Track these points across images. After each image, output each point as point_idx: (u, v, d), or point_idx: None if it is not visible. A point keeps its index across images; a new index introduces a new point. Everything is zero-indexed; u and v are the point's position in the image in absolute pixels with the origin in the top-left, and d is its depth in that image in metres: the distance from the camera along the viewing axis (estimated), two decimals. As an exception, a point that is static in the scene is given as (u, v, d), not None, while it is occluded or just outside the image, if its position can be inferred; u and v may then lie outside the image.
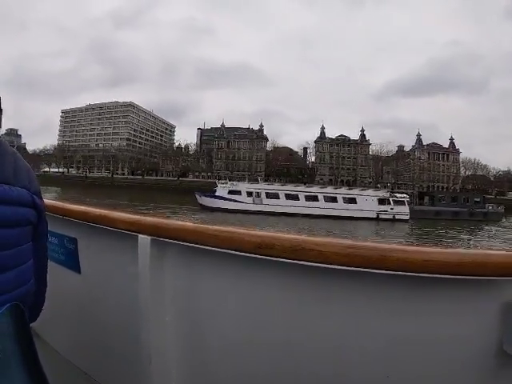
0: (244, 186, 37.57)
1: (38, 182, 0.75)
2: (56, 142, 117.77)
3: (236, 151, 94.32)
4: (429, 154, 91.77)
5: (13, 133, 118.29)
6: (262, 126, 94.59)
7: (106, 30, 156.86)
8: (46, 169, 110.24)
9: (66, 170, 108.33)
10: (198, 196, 38.19)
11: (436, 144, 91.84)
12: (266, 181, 55.75)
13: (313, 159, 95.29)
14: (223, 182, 41.90)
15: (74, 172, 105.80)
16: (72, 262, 1.37)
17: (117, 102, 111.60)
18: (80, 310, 1.40)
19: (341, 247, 0.83)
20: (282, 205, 34.91)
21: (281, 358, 0.96)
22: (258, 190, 36.18)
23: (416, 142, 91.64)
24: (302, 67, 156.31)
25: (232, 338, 1.03)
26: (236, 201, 35.49)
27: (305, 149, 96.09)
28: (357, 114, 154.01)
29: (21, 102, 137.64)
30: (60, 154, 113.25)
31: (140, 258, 1.07)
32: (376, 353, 0.88)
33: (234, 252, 0.93)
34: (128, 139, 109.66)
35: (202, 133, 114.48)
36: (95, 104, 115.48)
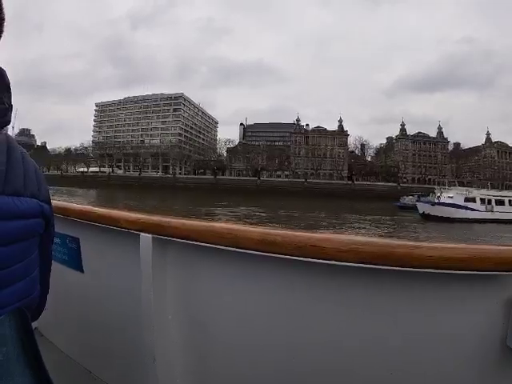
0: (478, 193, 34.48)
1: (46, 183, 0.71)
2: (90, 140, 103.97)
3: (317, 148, 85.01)
4: (498, 152, 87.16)
5: (26, 133, 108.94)
6: (341, 120, 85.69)
7: (122, 30, 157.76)
8: (82, 169, 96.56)
9: (109, 169, 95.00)
10: (420, 204, 33.75)
11: (503, 143, 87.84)
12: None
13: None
14: (447, 188, 36.64)
15: (119, 172, 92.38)
16: (75, 262, 1.37)
17: (162, 94, 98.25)
18: (83, 309, 1.40)
19: (344, 244, 0.82)
20: (507, 211, 32.29)
21: (284, 355, 0.95)
22: (489, 197, 33.71)
23: (486, 140, 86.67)
24: (317, 66, 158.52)
25: (235, 335, 1.02)
26: (472, 209, 32.48)
27: (362, 145, 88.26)
28: (368, 109, 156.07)
29: (33, 102, 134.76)
30: (97, 153, 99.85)
31: (142, 256, 1.07)
32: (380, 349, 0.87)
33: (236, 249, 0.92)
34: (180, 134, 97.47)
35: (245, 129, 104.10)
36: (136, 96, 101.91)
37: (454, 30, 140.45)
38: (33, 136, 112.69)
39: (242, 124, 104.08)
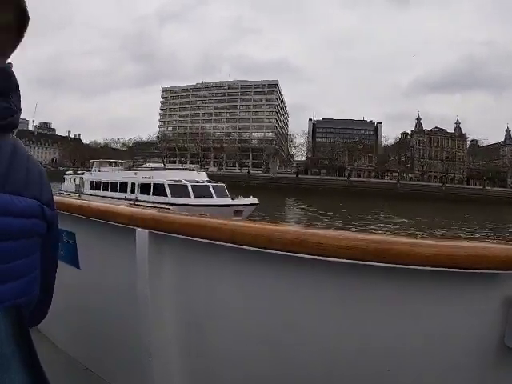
0: None
1: (50, 187, 0.71)
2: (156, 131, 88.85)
3: (439, 149, 79.11)
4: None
5: (46, 126, 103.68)
6: (458, 122, 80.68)
7: (148, 27, 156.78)
8: (148, 164, 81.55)
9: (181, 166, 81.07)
10: None
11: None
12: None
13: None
14: None
15: (213, 170, 79.26)
16: (71, 257, 1.37)
17: (252, 81, 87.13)
18: (80, 304, 1.40)
19: (342, 240, 0.81)
20: None
21: (282, 352, 0.94)
22: None
23: (506, 138, 79.67)
24: (338, 65, 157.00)
25: (232, 332, 1.01)
26: None
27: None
28: (383, 107, 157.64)
29: (54, 98, 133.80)
30: (165, 146, 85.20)
31: (138, 251, 1.06)
32: (376, 346, 0.87)
33: (233, 245, 0.91)
34: (275, 128, 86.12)
35: (315, 125, 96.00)
36: (215, 82, 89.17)
37: (475, 33, 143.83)
38: (54, 130, 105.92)
39: (310, 119, 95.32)
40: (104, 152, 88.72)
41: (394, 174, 72.04)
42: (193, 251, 1.03)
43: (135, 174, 21.91)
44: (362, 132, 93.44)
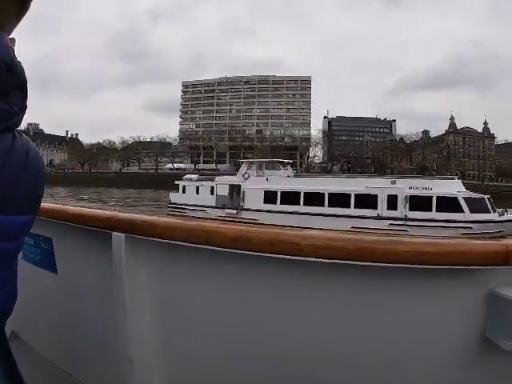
0: None
1: (43, 186, 0.68)
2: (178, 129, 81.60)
3: (471, 149, 79.92)
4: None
5: (34, 127, 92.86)
6: (486, 122, 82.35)
7: (138, 25, 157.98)
8: (171, 165, 74.14)
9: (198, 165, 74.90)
10: None
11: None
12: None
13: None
14: None
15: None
16: (48, 263, 1.35)
17: (286, 76, 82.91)
18: (59, 311, 1.38)
19: (319, 240, 0.82)
20: None
21: (264, 353, 0.95)
22: None
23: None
24: (332, 66, 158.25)
25: (213, 334, 1.02)
26: None
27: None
28: (370, 105, 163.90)
29: (41, 98, 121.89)
30: (187, 144, 78.38)
31: (115, 256, 1.06)
32: (356, 344, 0.88)
33: (210, 247, 0.91)
34: (307, 125, 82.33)
35: (330, 122, 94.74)
36: (240, 77, 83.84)
37: (463, 33, 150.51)
38: (42, 130, 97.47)
39: (325, 117, 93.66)
40: (107, 152, 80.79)
41: (432, 173, 71.71)
42: (170, 255, 1.02)
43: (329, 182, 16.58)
44: (377, 130, 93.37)
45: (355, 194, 14.91)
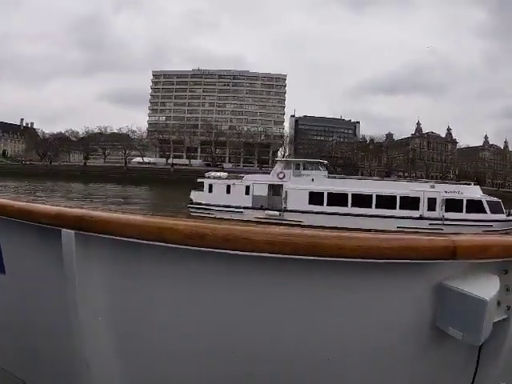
0: None
1: None
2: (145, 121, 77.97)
3: (434, 153, 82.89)
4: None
5: None
6: (449, 128, 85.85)
7: (100, 11, 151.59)
8: (138, 159, 70.79)
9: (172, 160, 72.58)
10: None
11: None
12: None
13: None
14: None
15: (228, 166, 71.52)
16: None
17: (259, 73, 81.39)
18: (9, 314, 1.29)
19: (272, 235, 0.82)
20: None
21: (223, 350, 0.95)
22: None
23: (484, 143, 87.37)
24: (293, 64, 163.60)
25: (170, 333, 0.99)
26: None
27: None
28: (328, 105, 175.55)
29: None
30: (157, 138, 75.24)
31: (65, 254, 1.00)
32: (314, 338, 0.89)
33: (163, 244, 0.89)
34: (281, 123, 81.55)
35: (297, 121, 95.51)
36: (215, 70, 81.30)
37: (419, 42, 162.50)
38: None
39: (293, 116, 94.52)
40: (69, 143, 75.39)
41: (399, 174, 74.34)
42: (122, 252, 0.98)
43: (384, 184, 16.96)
44: (342, 131, 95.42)
45: (400, 197, 15.46)
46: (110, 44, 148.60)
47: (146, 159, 71.81)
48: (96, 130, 75.23)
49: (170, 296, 0.98)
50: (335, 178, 19.27)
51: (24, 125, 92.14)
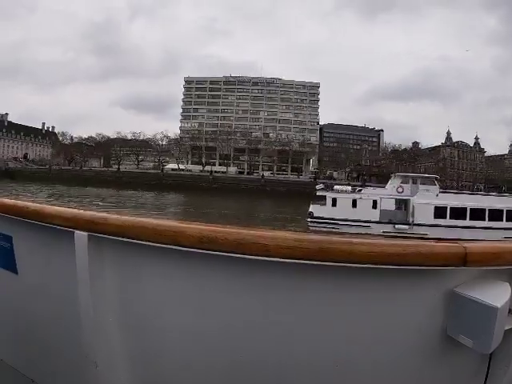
0: None
1: None
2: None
3: (465, 162, 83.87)
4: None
5: (2, 118, 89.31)
6: (477, 137, 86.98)
7: (116, 18, 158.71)
8: (170, 165, 69.30)
9: (223, 168, 71.43)
10: None
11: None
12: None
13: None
14: None
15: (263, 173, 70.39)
16: (8, 262, 1.29)
17: (293, 81, 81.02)
18: (20, 314, 1.33)
19: (285, 240, 0.82)
20: None
21: (230, 351, 0.95)
22: None
23: (509, 151, 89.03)
24: (306, 72, 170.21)
25: (179, 334, 1.00)
26: None
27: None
28: (340, 112, 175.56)
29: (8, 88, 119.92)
30: (190, 144, 74.05)
31: (78, 255, 1.02)
32: (324, 343, 0.89)
33: (176, 247, 0.89)
34: (314, 131, 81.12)
35: (322, 129, 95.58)
36: (246, 77, 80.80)
37: (432, 49, 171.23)
38: (10, 122, 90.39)
39: (317, 123, 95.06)
40: (104, 149, 73.80)
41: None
42: (135, 254, 0.99)
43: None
44: (366, 138, 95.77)
45: (507, 210, 16.93)
46: (124, 50, 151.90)
47: (181, 166, 70.43)
48: (129, 136, 73.69)
49: (182, 299, 0.97)
50: (450, 193, 20.09)
51: (45, 128, 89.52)
